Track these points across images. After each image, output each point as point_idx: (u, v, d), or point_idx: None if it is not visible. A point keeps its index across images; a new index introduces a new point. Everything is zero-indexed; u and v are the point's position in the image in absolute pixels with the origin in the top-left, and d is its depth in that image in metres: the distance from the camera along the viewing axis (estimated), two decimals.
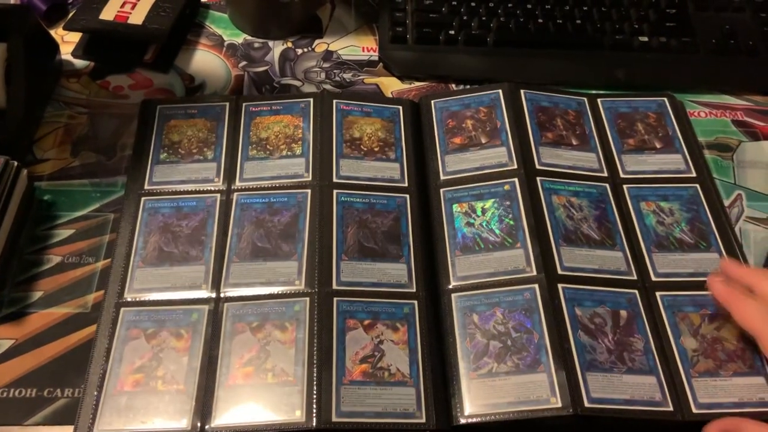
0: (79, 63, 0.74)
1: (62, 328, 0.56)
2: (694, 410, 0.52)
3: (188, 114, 0.68)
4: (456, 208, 0.62)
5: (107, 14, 0.73)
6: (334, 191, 0.62)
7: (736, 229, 0.64)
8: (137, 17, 0.73)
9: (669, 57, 0.76)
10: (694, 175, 0.65)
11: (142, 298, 0.56)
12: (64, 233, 0.61)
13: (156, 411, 0.51)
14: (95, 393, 0.52)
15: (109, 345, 0.54)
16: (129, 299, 0.56)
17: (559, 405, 0.50)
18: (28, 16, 0.68)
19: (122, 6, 0.73)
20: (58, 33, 0.75)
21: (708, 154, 0.70)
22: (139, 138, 0.66)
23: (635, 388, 0.52)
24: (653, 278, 0.58)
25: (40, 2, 0.76)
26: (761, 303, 0.52)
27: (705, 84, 0.76)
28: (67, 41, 0.75)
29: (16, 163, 0.59)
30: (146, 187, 0.63)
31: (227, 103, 0.69)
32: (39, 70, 0.69)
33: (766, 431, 0.48)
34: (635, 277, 0.58)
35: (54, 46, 0.72)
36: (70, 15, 0.75)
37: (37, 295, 0.58)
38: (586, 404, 0.50)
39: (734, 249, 0.61)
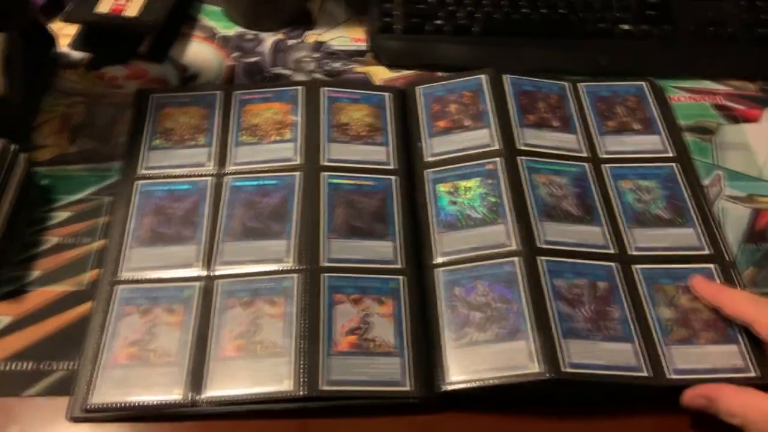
0: (76, 54, 0.76)
1: (59, 305, 0.57)
2: (670, 375, 0.53)
3: (181, 102, 0.70)
4: (441, 187, 0.63)
5: (103, 7, 0.75)
6: (323, 173, 0.63)
7: (716, 207, 0.66)
8: (132, 10, 0.75)
9: (651, 44, 0.78)
10: (671, 155, 0.67)
11: (136, 277, 0.58)
12: (62, 215, 0.63)
13: (149, 383, 0.52)
14: (91, 366, 0.53)
15: (104, 321, 0.55)
16: (123, 278, 0.58)
17: (538, 370, 0.52)
18: (26, 8, 0.70)
19: None
20: (55, 26, 0.77)
21: (688, 137, 0.71)
22: (134, 125, 0.68)
23: (612, 354, 0.53)
24: (631, 252, 0.60)
25: None
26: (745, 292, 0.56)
27: (686, 70, 0.78)
28: (64, 34, 0.77)
29: (14, 146, 0.61)
30: (140, 171, 0.64)
31: (219, 92, 0.70)
32: (37, 62, 0.70)
33: (744, 395, 0.50)
34: (614, 251, 0.60)
35: (51, 39, 0.74)
36: (67, 8, 0.77)
37: (36, 273, 0.59)
38: (565, 369, 0.52)
39: (710, 224, 0.62)
